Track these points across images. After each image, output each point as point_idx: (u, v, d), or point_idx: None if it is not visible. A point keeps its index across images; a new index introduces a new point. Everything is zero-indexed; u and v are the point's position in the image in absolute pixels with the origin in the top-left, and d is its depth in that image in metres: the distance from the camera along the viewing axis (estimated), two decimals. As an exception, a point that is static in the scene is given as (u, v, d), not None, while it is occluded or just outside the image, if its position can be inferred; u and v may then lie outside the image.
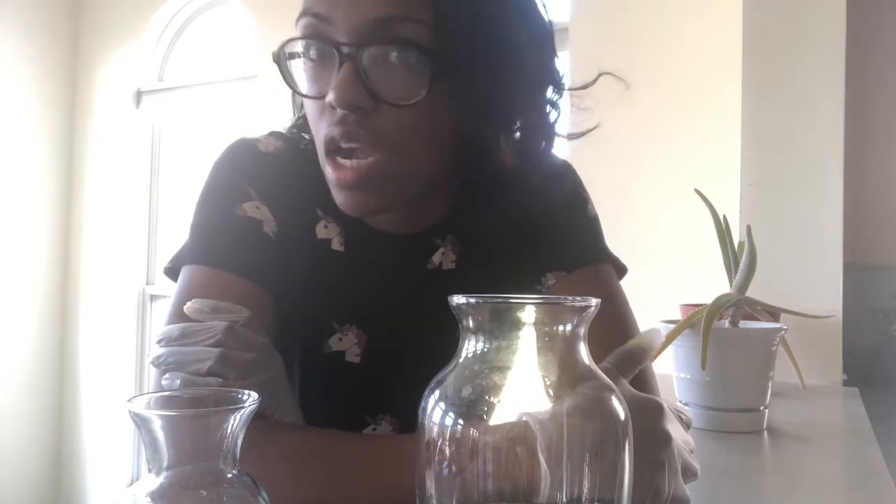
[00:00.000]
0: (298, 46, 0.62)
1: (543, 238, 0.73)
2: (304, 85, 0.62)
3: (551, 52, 0.67)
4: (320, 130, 0.61)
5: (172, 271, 0.68)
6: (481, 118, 0.64)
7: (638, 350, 0.52)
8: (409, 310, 0.73)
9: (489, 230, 0.73)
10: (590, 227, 0.76)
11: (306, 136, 0.73)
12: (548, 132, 0.69)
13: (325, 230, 0.72)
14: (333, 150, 0.60)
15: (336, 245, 0.72)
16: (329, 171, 0.62)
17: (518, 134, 0.68)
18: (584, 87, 0.70)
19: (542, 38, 0.66)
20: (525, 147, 0.69)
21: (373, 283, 0.73)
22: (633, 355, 0.51)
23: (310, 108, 0.63)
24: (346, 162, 0.60)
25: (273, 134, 0.75)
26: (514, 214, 0.73)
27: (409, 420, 0.70)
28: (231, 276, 0.64)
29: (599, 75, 0.70)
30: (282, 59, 0.62)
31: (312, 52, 0.61)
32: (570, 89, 0.70)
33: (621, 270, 0.76)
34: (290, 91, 0.69)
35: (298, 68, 0.63)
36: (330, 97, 0.57)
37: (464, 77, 0.60)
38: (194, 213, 0.70)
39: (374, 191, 0.61)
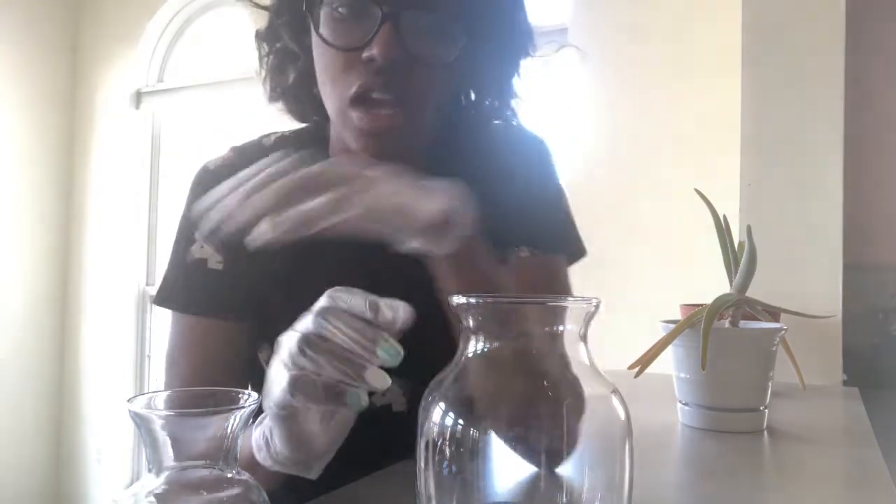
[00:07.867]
0: None
1: (517, 225, 0.77)
2: (330, 36, 0.66)
3: (530, 25, 0.76)
4: (347, 81, 0.66)
5: (157, 301, 0.77)
6: (483, 83, 0.75)
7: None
8: (378, 290, 0.72)
9: None
10: (563, 218, 0.83)
11: (276, 132, 0.80)
12: (514, 101, 0.78)
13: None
14: (362, 99, 0.65)
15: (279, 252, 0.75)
16: (356, 118, 0.66)
17: (496, 101, 0.77)
18: (543, 56, 0.79)
19: (527, 12, 0.76)
20: (495, 113, 0.78)
21: (339, 267, 0.72)
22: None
23: (333, 59, 0.67)
24: (380, 110, 0.65)
25: (233, 147, 0.80)
26: (485, 190, 0.75)
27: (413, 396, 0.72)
28: (206, 321, 0.74)
29: (560, 48, 0.81)
30: (314, 7, 0.67)
31: (343, 9, 0.66)
32: (535, 56, 0.79)
33: (581, 254, 0.84)
34: (267, 64, 0.76)
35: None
36: (372, 51, 0.63)
37: (483, 44, 0.69)
38: (169, 254, 0.79)
39: (393, 140, 0.67)
